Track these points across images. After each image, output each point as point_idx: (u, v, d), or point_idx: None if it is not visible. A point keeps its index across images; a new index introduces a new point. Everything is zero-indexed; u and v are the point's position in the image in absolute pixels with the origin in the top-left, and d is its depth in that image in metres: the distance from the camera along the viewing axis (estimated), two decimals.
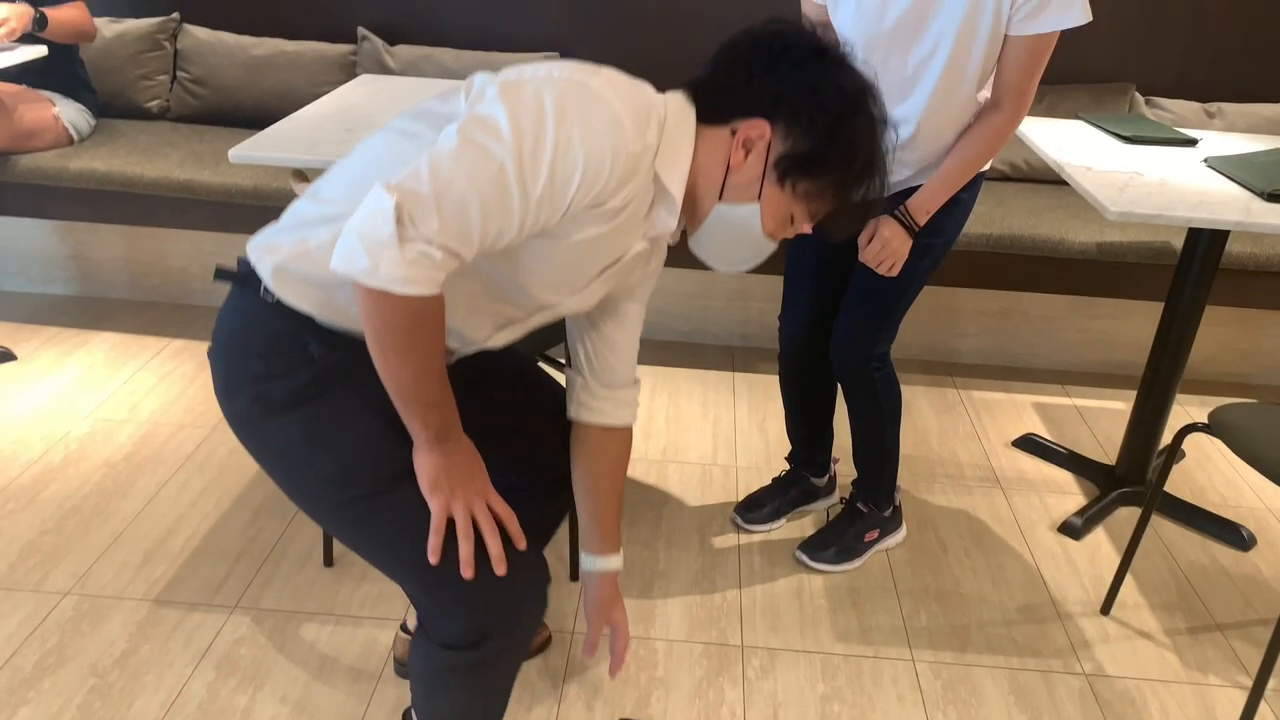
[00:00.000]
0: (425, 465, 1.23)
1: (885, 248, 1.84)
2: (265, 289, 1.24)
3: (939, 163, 1.84)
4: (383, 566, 1.31)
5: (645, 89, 1.21)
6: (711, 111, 1.21)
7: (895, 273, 1.87)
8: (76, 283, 3.26)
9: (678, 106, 1.22)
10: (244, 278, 1.27)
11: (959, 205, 1.89)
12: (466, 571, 1.22)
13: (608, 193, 1.14)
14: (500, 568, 1.24)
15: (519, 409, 1.52)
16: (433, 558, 1.22)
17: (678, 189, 1.20)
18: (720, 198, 1.22)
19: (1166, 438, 2.53)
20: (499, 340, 1.36)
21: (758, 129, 1.17)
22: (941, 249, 1.93)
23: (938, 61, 1.71)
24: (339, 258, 1.07)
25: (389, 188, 1.05)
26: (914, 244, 1.86)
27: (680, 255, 3.04)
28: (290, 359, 1.25)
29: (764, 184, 1.19)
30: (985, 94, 1.80)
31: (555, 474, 1.54)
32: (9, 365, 2.82)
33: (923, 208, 1.82)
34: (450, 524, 1.23)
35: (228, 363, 1.27)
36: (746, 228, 1.23)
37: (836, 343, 2.04)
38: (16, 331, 3.02)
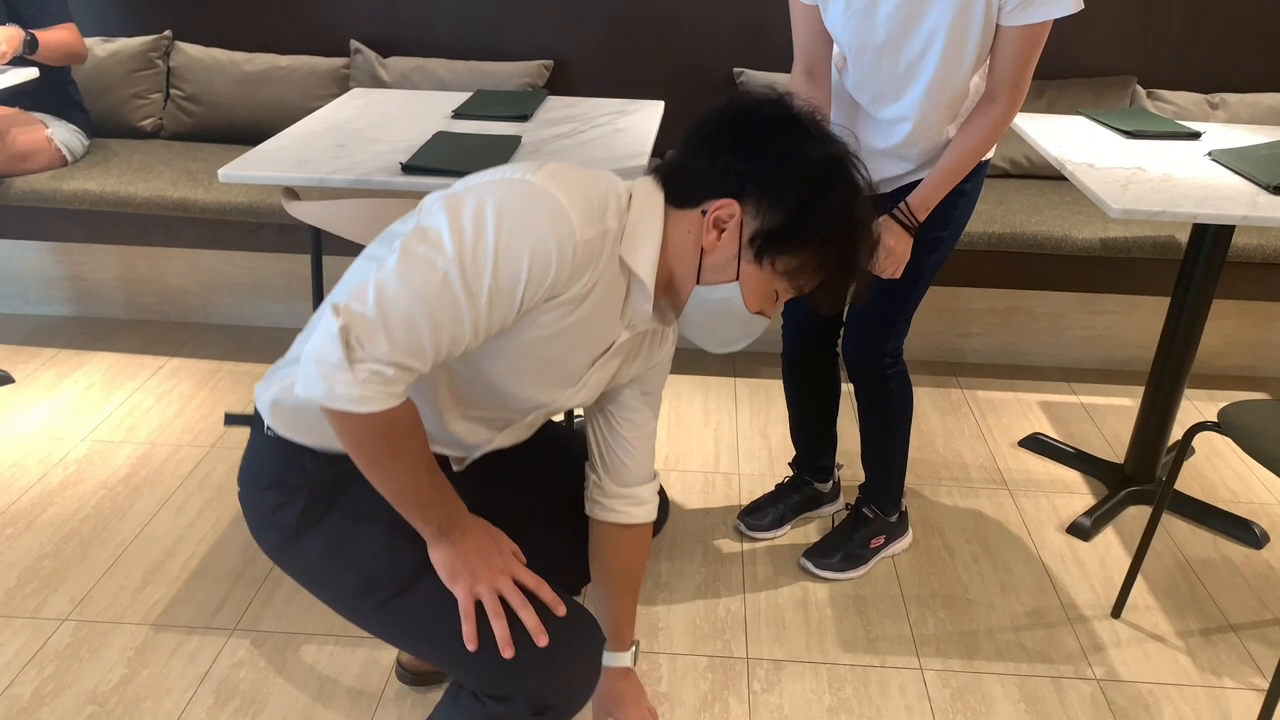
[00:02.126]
0: (439, 559, 1.25)
1: (889, 255, 1.82)
2: (267, 426, 1.31)
3: (939, 154, 1.82)
4: (431, 660, 1.31)
5: (599, 177, 1.20)
6: (681, 195, 1.20)
7: (899, 275, 1.85)
8: (73, 303, 3.25)
9: (644, 191, 1.21)
10: (253, 419, 1.35)
11: (964, 196, 1.86)
12: (506, 651, 1.21)
13: (561, 284, 1.13)
14: (541, 638, 1.23)
15: (543, 476, 1.53)
16: (470, 645, 1.22)
17: (647, 273, 1.19)
18: (698, 280, 1.20)
19: (1176, 434, 2.50)
20: (504, 441, 1.38)
21: (727, 208, 1.15)
22: (950, 241, 1.91)
23: (931, 59, 1.68)
24: (300, 384, 1.09)
25: (336, 310, 1.07)
26: (922, 239, 1.84)
27: None
28: (293, 485, 1.30)
29: (740, 263, 1.17)
30: (977, 79, 1.78)
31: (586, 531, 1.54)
32: (7, 388, 2.81)
33: (923, 205, 1.80)
34: (482, 607, 1.24)
35: (248, 502, 1.34)
36: (728, 308, 1.20)
37: (849, 341, 2.01)
38: (15, 354, 3.01)
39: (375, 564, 1.28)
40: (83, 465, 2.47)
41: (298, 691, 1.82)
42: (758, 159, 1.14)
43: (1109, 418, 2.85)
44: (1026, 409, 2.88)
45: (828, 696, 1.85)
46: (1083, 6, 1.64)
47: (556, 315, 1.17)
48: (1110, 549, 2.28)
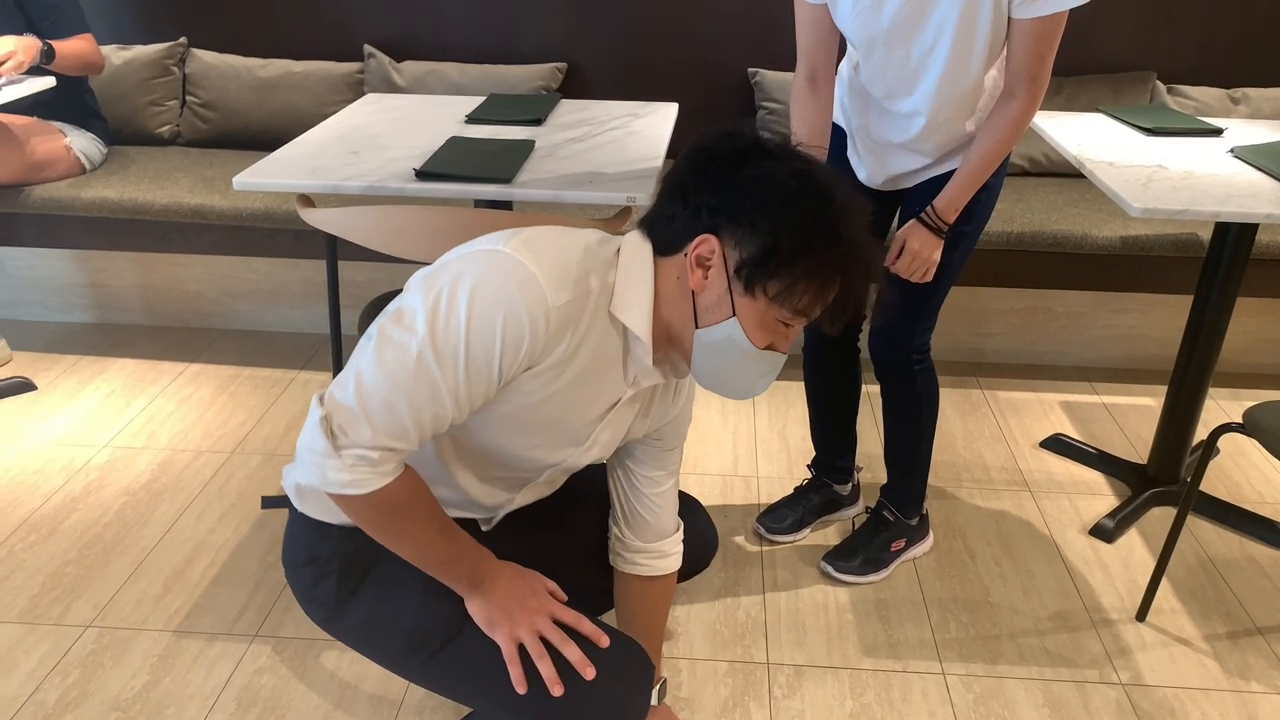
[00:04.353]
0: (476, 610, 1.28)
1: (915, 259, 1.81)
2: (294, 506, 1.36)
3: (959, 148, 1.81)
4: (487, 709, 1.32)
5: (577, 238, 1.19)
6: (664, 243, 1.19)
7: (930, 278, 1.84)
8: (94, 310, 3.27)
9: (631, 245, 1.21)
10: (286, 500, 1.39)
11: (987, 191, 1.85)
12: (555, 690, 1.23)
13: (538, 352, 1.14)
14: (587, 672, 1.24)
15: (568, 517, 1.54)
16: (520, 689, 1.24)
17: (640, 327, 1.19)
18: (696, 324, 1.18)
19: (1200, 434, 2.47)
20: (526, 498, 1.41)
21: (706, 245, 1.14)
22: (973, 236, 1.90)
23: (940, 53, 1.67)
24: (299, 473, 1.13)
25: (319, 400, 1.12)
26: (946, 235, 1.83)
27: None
28: (325, 559, 1.34)
29: (733, 297, 1.15)
30: (994, 73, 1.76)
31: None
32: (30, 395, 2.83)
33: (950, 206, 1.78)
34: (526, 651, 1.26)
35: (291, 580, 1.38)
36: (733, 347, 1.17)
37: (875, 337, 2.00)
38: (37, 361, 3.03)
39: (415, 624, 1.31)
40: (104, 472, 2.48)
41: (319, 698, 1.82)
42: (725, 191, 1.13)
43: (1131, 418, 2.82)
44: (1048, 409, 2.86)
45: (849, 702, 1.83)
46: None
47: (541, 382, 1.18)
48: (1134, 551, 2.26)
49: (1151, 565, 2.20)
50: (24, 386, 2.85)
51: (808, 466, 2.35)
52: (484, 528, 1.45)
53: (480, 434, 1.24)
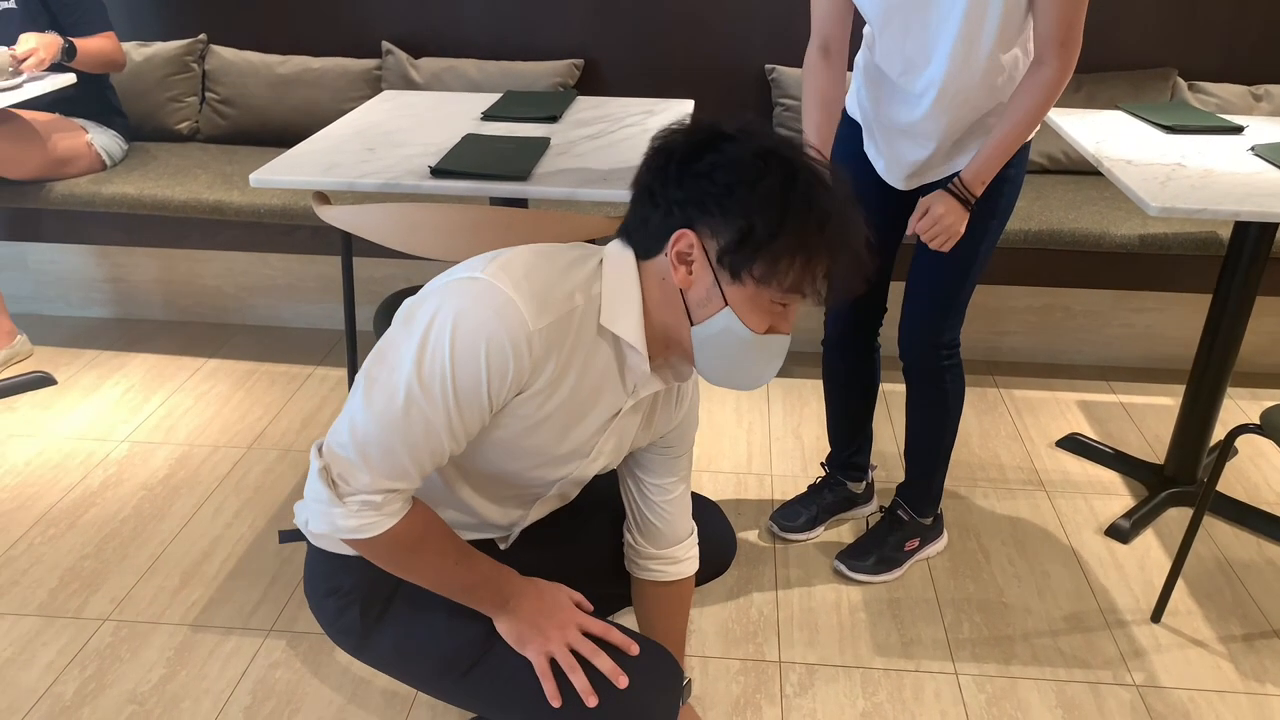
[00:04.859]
0: (504, 629, 1.28)
1: (938, 224, 1.78)
2: (309, 541, 1.36)
3: (973, 137, 1.79)
4: None
5: (558, 256, 1.18)
6: (645, 248, 1.18)
7: (949, 248, 1.81)
8: (114, 305, 3.30)
9: (614, 255, 1.20)
10: (300, 534, 1.39)
11: (1008, 182, 1.83)
12: (590, 700, 1.23)
13: (525, 376, 1.13)
14: (620, 680, 1.24)
15: (592, 522, 1.55)
16: (554, 702, 1.24)
17: (633, 335, 1.18)
18: (691, 321, 1.17)
19: (1218, 434, 2.45)
20: (539, 513, 1.41)
21: (684, 239, 1.13)
22: (996, 230, 1.88)
23: (953, 22, 1.64)
24: (310, 520, 1.15)
25: (318, 450, 1.14)
26: (971, 226, 1.81)
27: None
28: (347, 589, 1.33)
29: (722, 288, 1.13)
30: (1017, 53, 1.73)
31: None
32: (50, 390, 2.86)
33: (978, 178, 1.75)
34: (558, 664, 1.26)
35: (316, 611, 1.38)
36: (733, 337, 1.16)
37: (904, 334, 1.99)
38: (57, 355, 3.06)
39: (444, 646, 1.31)
40: (123, 466, 2.50)
41: (333, 693, 1.84)
42: (689, 182, 1.12)
43: (1149, 417, 2.80)
44: (1064, 408, 2.84)
45: (861, 701, 1.83)
46: None
47: (535, 404, 1.17)
48: (1150, 552, 2.24)
49: (1167, 566, 2.19)
50: (44, 381, 2.88)
51: (822, 464, 2.34)
52: (501, 546, 1.45)
53: (483, 459, 1.24)
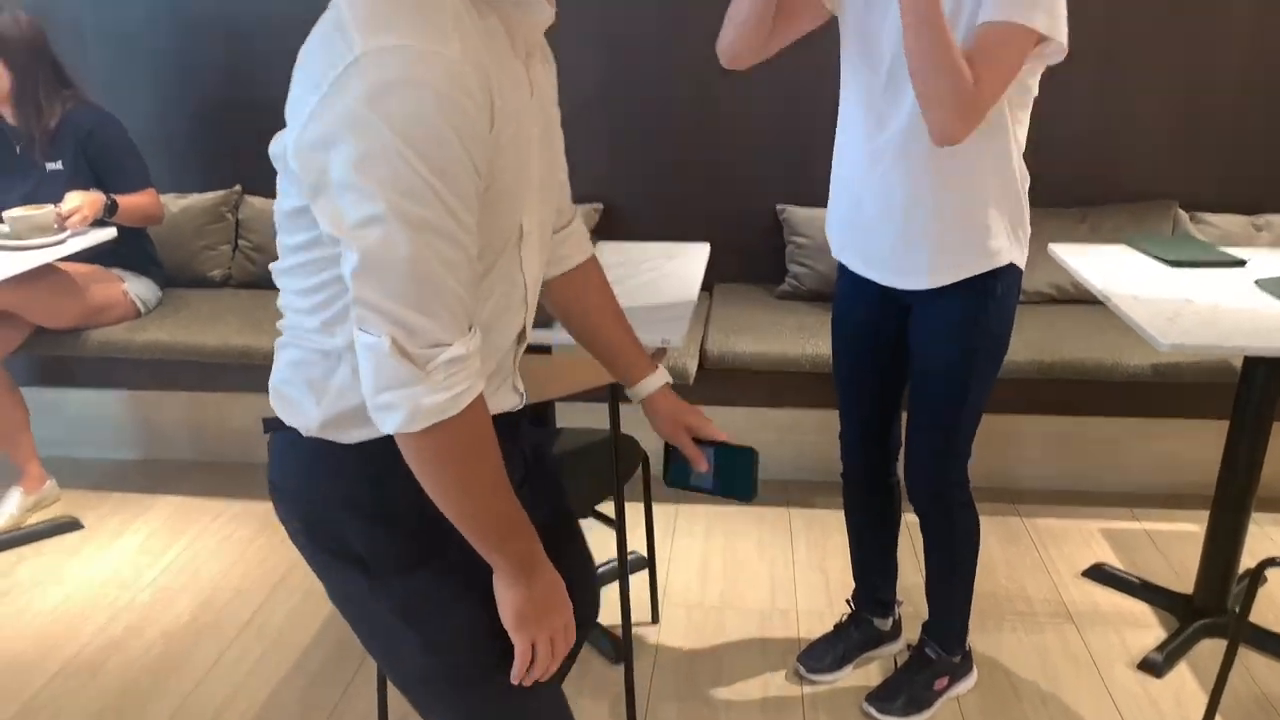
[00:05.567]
0: (511, 600, 1.13)
1: None
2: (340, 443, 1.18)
3: (950, 233, 1.76)
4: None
5: None
6: None
7: None
8: (142, 446, 3.35)
9: None
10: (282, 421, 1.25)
11: (991, 299, 1.81)
12: (528, 681, 1.17)
13: (487, 108, 0.98)
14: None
15: (564, 553, 1.42)
16: (515, 680, 1.16)
17: None
18: None
19: (1246, 561, 2.42)
20: (530, 317, 1.25)
21: None
22: (985, 357, 1.87)
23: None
24: (383, 420, 1.00)
25: (364, 338, 0.98)
26: (953, 354, 1.83)
27: (726, 393, 3.05)
28: (398, 515, 1.16)
29: None
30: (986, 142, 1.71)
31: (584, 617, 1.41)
32: (77, 534, 2.89)
33: None
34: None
35: (324, 535, 1.20)
36: None
37: (910, 473, 2.00)
38: (84, 499, 3.10)
39: (462, 643, 1.18)
40: (145, 612, 2.51)
41: None
42: None
43: (1174, 545, 2.78)
44: (1088, 537, 2.82)
45: None
46: (1064, 52, 1.62)
47: (508, 122, 1.02)
48: (1185, 686, 2.20)
49: (1203, 701, 2.14)
50: (71, 526, 2.91)
51: (847, 601, 2.33)
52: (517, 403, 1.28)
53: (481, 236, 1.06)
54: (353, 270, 0.97)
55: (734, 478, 1.42)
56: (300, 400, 1.14)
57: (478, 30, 1.00)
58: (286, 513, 1.21)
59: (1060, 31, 1.61)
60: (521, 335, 1.23)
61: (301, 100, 0.98)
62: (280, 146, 1.05)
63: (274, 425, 1.20)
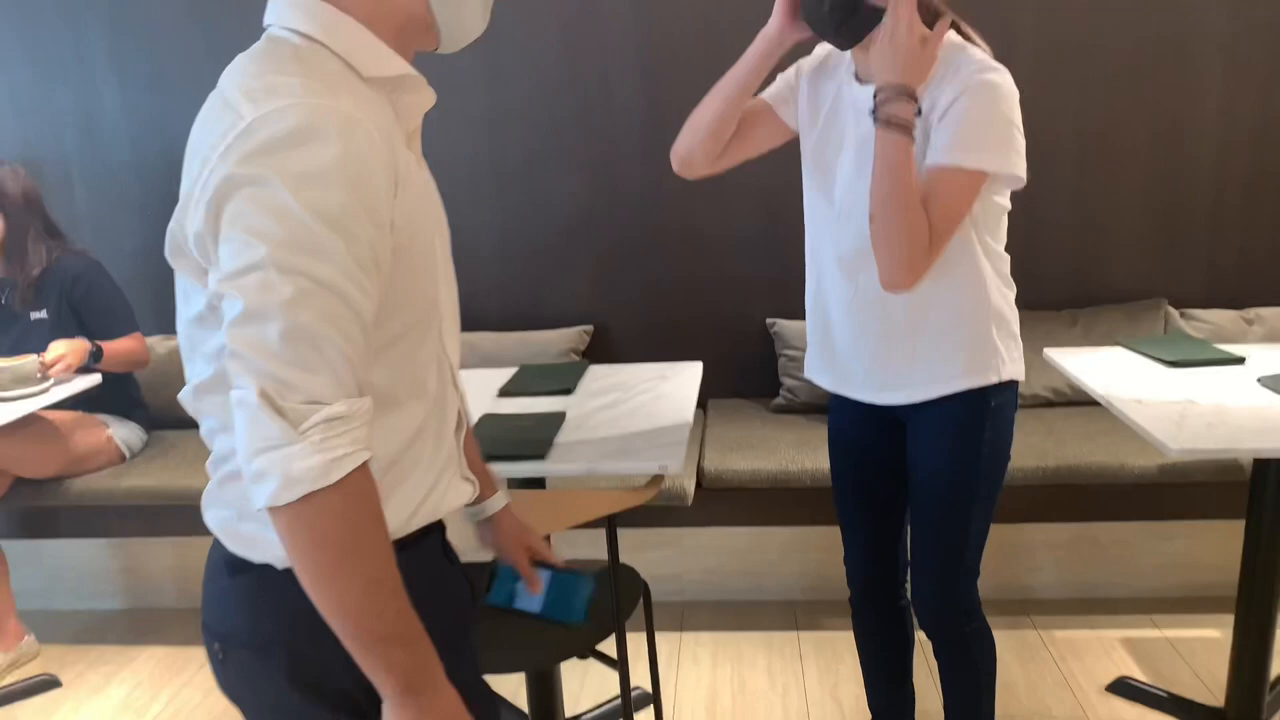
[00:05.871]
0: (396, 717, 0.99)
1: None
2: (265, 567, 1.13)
3: (925, 345, 1.73)
4: None
5: (257, 64, 0.98)
6: None
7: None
8: (125, 596, 3.24)
9: (293, 14, 1.00)
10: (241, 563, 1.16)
11: (987, 418, 1.76)
12: None
13: (386, 155, 0.95)
14: None
15: None
16: None
17: (371, 52, 1.00)
18: None
19: (1276, 667, 2.33)
20: (465, 405, 1.23)
21: None
22: (987, 479, 1.80)
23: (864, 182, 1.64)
24: (254, 494, 0.91)
25: (236, 393, 0.91)
26: (951, 468, 1.77)
27: (726, 513, 2.98)
28: (341, 693, 1.08)
29: None
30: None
31: None
32: (54, 692, 2.76)
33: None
34: None
35: (253, 696, 1.14)
36: None
37: (918, 602, 1.93)
38: (64, 654, 2.97)
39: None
40: None
41: None
42: None
43: (1198, 652, 2.68)
44: (1109, 648, 2.72)
45: None
46: (1022, 181, 1.60)
47: (407, 189, 1.00)
48: None
49: None
50: (49, 684, 2.78)
51: None
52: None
53: (400, 309, 1.02)
54: (230, 320, 0.90)
55: (566, 602, 1.48)
56: (262, 533, 1.04)
57: (367, 99, 0.98)
58: (262, 667, 1.07)
59: (1012, 165, 1.59)
60: (460, 420, 1.19)
61: (194, 179, 0.94)
62: (177, 241, 1.00)
63: (239, 568, 1.09)
